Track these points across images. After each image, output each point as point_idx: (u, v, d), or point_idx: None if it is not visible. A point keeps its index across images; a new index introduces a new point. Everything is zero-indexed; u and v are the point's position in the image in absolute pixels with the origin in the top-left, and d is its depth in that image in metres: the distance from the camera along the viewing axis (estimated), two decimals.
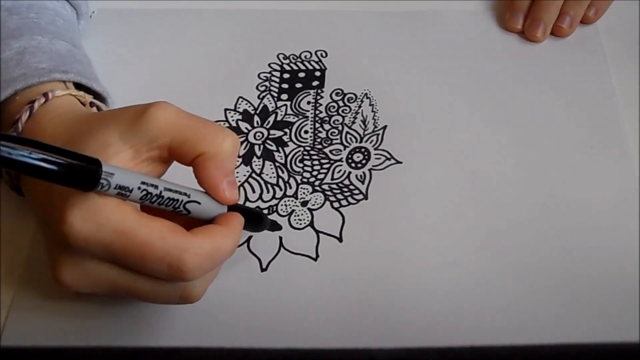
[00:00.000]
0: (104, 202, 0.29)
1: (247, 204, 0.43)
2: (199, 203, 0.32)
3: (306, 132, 0.47)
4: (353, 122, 0.47)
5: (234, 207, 0.34)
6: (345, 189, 0.44)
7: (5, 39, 0.40)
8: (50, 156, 0.26)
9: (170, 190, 0.31)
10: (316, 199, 0.43)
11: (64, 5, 0.46)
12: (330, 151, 0.46)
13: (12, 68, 0.39)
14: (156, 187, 0.30)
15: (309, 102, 0.48)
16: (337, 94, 0.49)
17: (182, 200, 0.31)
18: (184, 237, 0.30)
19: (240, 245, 0.41)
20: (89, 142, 0.32)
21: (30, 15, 0.42)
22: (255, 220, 0.38)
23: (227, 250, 0.32)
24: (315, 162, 0.45)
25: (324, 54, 0.51)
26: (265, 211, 0.43)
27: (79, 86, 0.41)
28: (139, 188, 0.30)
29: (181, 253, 0.30)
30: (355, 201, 0.43)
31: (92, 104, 0.40)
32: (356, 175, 0.44)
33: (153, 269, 0.30)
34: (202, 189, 0.33)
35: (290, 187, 0.44)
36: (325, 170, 0.45)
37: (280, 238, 0.41)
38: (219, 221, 0.33)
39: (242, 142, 0.46)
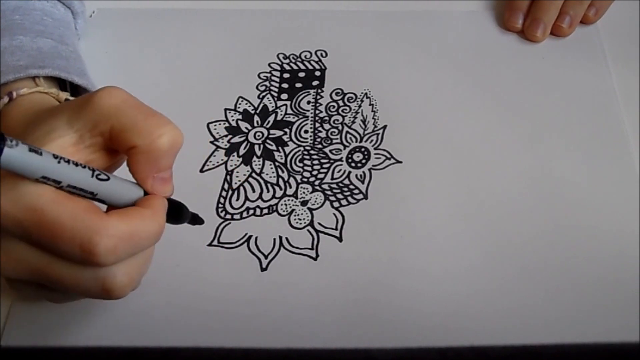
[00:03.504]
0: (23, 180, 0.29)
1: (247, 203, 0.43)
2: (106, 178, 0.30)
3: (306, 131, 0.47)
4: (353, 122, 0.47)
5: None
6: (345, 189, 0.44)
7: None
8: None
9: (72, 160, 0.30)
10: (316, 198, 0.43)
11: (55, 5, 0.46)
12: (330, 151, 0.46)
13: None
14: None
15: (309, 102, 0.48)
16: (337, 94, 0.49)
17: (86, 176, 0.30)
18: (97, 218, 0.29)
19: (239, 246, 0.41)
20: (38, 128, 0.31)
21: (15, 17, 0.43)
22: (175, 210, 0.35)
23: (149, 234, 0.30)
24: (315, 162, 0.45)
25: (324, 54, 0.51)
26: (265, 211, 0.43)
27: (64, 84, 0.41)
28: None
29: (92, 234, 0.28)
30: (355, 201, 0.43)
31: (67, 101, 0.40)
32: (356, 175, 0.44)
33: (65, 250, 0.29)
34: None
35: (290, 187, 0.44)
36: (325, 170, 0.45)
37: (280, 238, 0.41)
38: (139, 203, 0.31)
39: (242, 142, 0.46)
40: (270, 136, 0.46)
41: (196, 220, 0.37)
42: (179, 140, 0.31)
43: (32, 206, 0.28)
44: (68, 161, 0.29)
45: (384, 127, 0.47)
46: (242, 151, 0.45)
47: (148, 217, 0.30)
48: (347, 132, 0.46)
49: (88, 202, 0.30)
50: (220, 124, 0.47)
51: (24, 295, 0.35)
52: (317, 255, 0.41)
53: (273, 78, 0.50)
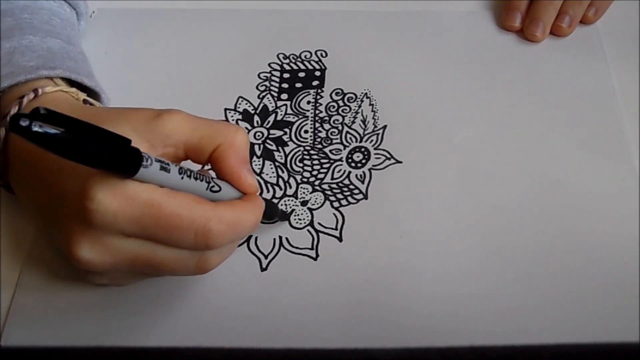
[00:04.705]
0: (129, 179, 0.30)
1: None
2: (219, 189, 0.33)
3: (306, 131, 0.47)
4: (353, 122, 0.47)
5: None
6: (345, 189, 0.44)
7: None
8: (99, 142, 0.26)
9: (192, 173, 0.32)
10: (316, 198, 0.43)
11: (61, 5, 0.46)
12: (330, 151, 0.46)
13: (1, 68, 0.39)
14: (182, 168, 0.31)
15: (309, 102, 0.48)
16: (337, 94, 0.49)
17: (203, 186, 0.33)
18: (210, 207, 0.32)
19: (240, 245, 0.41)
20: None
21: (24, 16, 0.43)
22: (269, 207, 0.38)
23: (249, 225, 0.33)
24: (315, 162, 0.45)
25: (324, 54, 0.51)
26: None
27: (74, 85, 0.41)
28: (176, 165, 0.31)
29: (207, 221, 0.31)
30: (355, 201, 0.43)
31: (85, 102, 0.40)
32: (356, 175, 0.44)
33: (180, 238, 0.31)
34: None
35: (290, 187, 0.44)
36: (325, 170, 0.45)
37: (280, 238, 0.41)
38: (242, 199, 0.34)
39: None
40: (270, 136, 0.46)
41: (284, 216, 0.42)
42: (247, 136, 0.35)
43: (149, 201, 0.30)
44: (190, 175, 0.31)
45: (384, 127, 0.47)
46: None
47: (249, 210, 0.34)
48: (347, 132, 0.46)
49: (194, 195, 0.32)
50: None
51: (96, 283, 0.36)
52: (317, 255, 0.41)
53: (273, 78, 0.50)
